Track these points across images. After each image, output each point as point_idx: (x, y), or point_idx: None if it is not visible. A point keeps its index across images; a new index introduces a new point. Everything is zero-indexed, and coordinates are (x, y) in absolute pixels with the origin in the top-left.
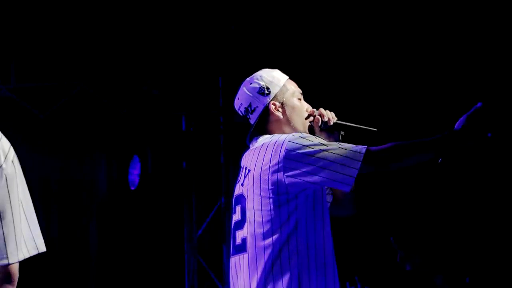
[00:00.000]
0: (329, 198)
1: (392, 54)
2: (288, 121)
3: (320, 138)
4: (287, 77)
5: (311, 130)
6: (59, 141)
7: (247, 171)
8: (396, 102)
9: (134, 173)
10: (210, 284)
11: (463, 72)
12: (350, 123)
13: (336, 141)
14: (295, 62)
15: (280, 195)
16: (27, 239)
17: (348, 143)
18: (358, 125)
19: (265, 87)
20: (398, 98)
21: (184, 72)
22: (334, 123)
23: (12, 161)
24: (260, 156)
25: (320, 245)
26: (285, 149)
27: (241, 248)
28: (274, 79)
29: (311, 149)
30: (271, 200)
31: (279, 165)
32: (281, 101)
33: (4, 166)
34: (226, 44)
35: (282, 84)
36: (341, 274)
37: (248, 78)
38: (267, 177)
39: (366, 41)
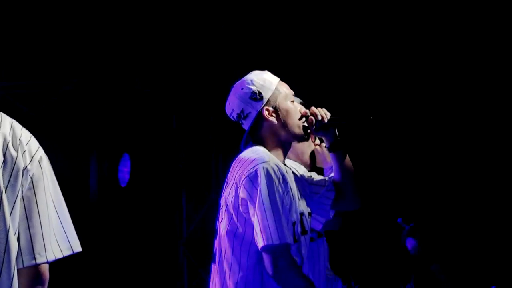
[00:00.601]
0: (331, 195)
1: (383, 50)
2: (282, 126)
3: (276, 184)
4: (278, 79)
5: (306, 131)
6: (49, 139)
7: (226, 182)
8: (389, 96)
9: (124, 171)
10: (196, 284)
11: (456, 69)
12: (343, 116)
13: (333, 137)
14: (286, 58)
15: (242, 214)
16: (60, 240)
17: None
18: (351, 118)
19: (257, 92)
20: (391, 92)
21: (176, 70)
22: (328, 120)
23: (38, 161)
24: (234, 172)
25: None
26: (246, 177)
27: (214, 258)
28: (265, 82)
29: (254, 198)
30: (235, 216)
31: (238, 189)
32: (275, 106)
33: (29, 167)
34: (218, 43)
35: (274, 88)
36: (335, 273)
37: (238, 82)
38: (232, 195)
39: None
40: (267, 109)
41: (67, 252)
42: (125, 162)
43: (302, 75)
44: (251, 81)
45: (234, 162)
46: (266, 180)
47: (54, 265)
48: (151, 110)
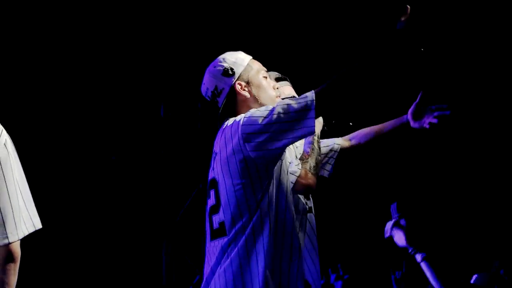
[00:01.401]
0: (328, 167)
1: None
2: (255, 99)
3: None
4: (251, 57)
5: None
6: (34, 129)
7: (215, 155)
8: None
9: (112, 159)
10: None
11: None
12: (326, 123)
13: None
14: (272, 43)
15: (251, 173)
16: (26, 218)
17: None
18: (332, 124)
19: (229, 68)
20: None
21: (164, 59)
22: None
23: (4, 144)
24: (223, 138)
25: (284, 224)
26: (241, 125)
27: (220, 232)
28: (237, 59)
29: (264, 118)
30: (243, 181)
31: (240, 142)
32: (247, 80)
33: None
34: (205, 32)
35: (246, 64)
36: (323, 261)
37: (212, 63)
38: (234, 159)
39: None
40: (239, 84)
41: (31, 229)
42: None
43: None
44: (223, 59)
45: (216, 138)
46: (259, 108)
47: (37, 248)
48: (139, 98)
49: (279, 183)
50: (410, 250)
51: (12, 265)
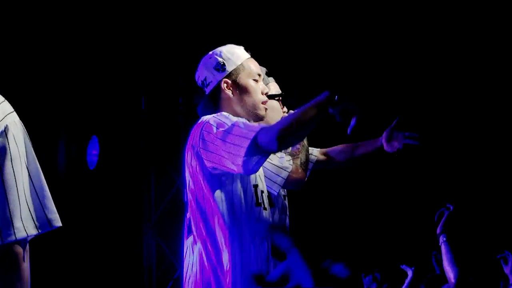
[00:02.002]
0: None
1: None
2: (238, 101)
3: (234, 119)
4: (249, 56)
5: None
6: None
7: (185, 149)
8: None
9: (93, 153)
10: (165, 268)
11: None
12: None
13: None
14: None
15: (205, 175)
16: (38, 215)
17: None
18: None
19: (221, 63)
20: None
21: (145, 52)
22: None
23: (4, 130)
24: (192, 135)
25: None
26: (202, 130)
27: (189, 229)
28: (233, 56)
29: (217, 131)
30: (199, 184)
31: (197, 146)
32: (234, 80)
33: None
34: (187, 26)
35: (239, 63)
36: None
37: (210, 52)
38: (190, 158)
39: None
40: (225, 82)
41: (45, 228)
42: (93, 144)
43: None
44: (220, 52)
45: (191, 130)
46: (220, 117)
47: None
48: (120, 92)
49: (238, 189)
50: (438, 231)
51: (22, 264)
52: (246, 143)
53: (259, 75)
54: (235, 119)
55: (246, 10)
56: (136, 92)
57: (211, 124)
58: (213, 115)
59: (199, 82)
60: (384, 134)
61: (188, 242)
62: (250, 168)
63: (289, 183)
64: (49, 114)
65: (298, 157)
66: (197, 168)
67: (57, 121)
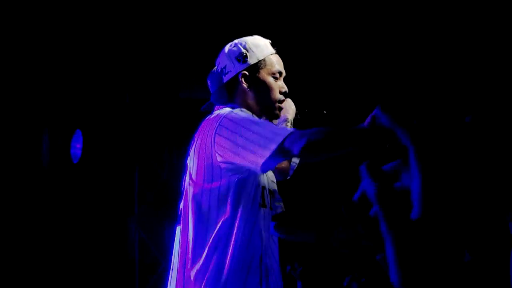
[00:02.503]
0: None
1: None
2: (253, 96)
3: (255, 118)
4: (274, 52)
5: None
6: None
7: (193, 142)
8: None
9: (77, 147)
10: (148, 262)
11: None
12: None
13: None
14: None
15: (214, 170)
16: None
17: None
18: (305, 113)
19: (243, 54)
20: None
21: (130, 46)
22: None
23: None
24: (206, 129)
25: (245, 241)
26: (219, 124)
27: (179, 219)
28: (257, 49)
29: (236, 127)
30: (205, 176)
31: (212, 141)
32: (254, 74)
33: None
34: (172, 22)
35: (262, 57)
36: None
37: (236, 40)
38: (204, 152)
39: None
40: (244, 74)
41: None
42: (77, 138)
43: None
44: (245, 42)
45: (202, 124)
46: (239, 114)
47: (3, 240)
48: (105, 86)
49: (243, 186)
50: None
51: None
52: (273, 146)
53: (280, 73)
54: (256, 118)
55: (230, 7)
56: (120, 86)
57: (230, 120)
58: (232, 110)
59: (219, 69)
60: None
61: (178, 229)
62: (270, 168)
63: (276, 172)
64: (33, 108)
65: None
66: (206, 161)
67: (41, 115)
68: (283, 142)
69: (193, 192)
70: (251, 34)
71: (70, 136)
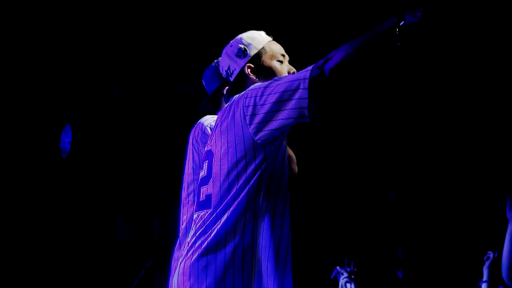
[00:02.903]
0: None
1: None
2: None
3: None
4: (270, 39)
5: None
6: None
7: (215, 127)
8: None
9: (66, 141)
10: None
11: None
12: None
13: None
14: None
15: (247, 147)
16: None
17: None
18: None
19: (242, 49)
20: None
21: (119, 40)
22: None
23: None
24: (227, 110)
25: (277, 225)
26: (244, 97)
27: (205, 204)
28: (253, 41)
29: (264, 92)
30: (237, 154)
31: (241, 115)
32: (258, 63)
33: None
34: (161, 16)
35: (261, 46)
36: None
37: (231, 41)
38: (233, 130)
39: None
40: (249, 66)
41: None
42: (66, 132)
43: None
44: (241, 38)
45: (220, 111)
46: (253, 85)
47: None
48: (94, 80)
49: (275, 164)
50: None
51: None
52: (306, 82)
53: (283, 55)
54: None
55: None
56: (110, 80)
57: (252, 90)
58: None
59: (224, 72)
60: None
61: (200, 216)
62: (314, 108)
63: None
64: (21, 102)
65: None
66: (238, 139)
67: (30, 109)
68: (311, 73)
69: (221, 176)
70: (238, 29)
71: (59, 130)
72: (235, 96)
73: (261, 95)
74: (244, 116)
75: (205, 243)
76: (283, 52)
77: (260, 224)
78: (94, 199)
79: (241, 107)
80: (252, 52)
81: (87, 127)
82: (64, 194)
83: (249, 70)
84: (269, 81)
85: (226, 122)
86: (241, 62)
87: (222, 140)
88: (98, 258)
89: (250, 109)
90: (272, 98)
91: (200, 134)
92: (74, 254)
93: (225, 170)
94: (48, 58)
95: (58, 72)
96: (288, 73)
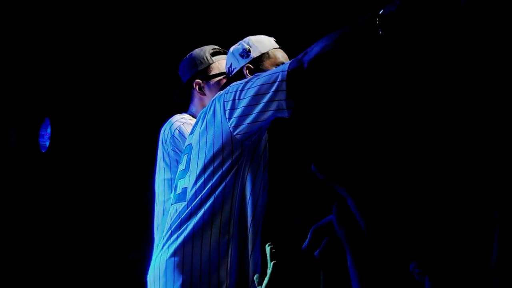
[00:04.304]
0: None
1: None
2: None
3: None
4: (277, 46)
5: None
6: None
7: (197, 121)
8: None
9: (45, 136)
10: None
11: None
12: None
13: None
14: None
15: (224, 142)
16: None
17: None
18: None
19: (246, 49)
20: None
21: (100, 34)
22: None
23: None
24: (209, 106)
25: (248, 209)
26: (225, 93)
27: (181, 197)
28: (259, 44)
29: (245, 87)
30: (215, 149)
31: (221, 111)
32: (258, 66)
33: None
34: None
35: (265, 51)
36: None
37: (241, 40)
38: (213, 125)
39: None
40: (248, 67)
41: None
42: (46, 126)
43: None
44: (249, 39)
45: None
46: (233, 84)
47: None
48: (73, 73)
49: (253, 160)
50: None
51: None
52: (284, 74)
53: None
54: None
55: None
56: (89, 74)
57: (232, 86)
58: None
59: (227, 69)
60: None
61: (176, 209)
62: (292, 105)
63: None
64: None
65: None
66: (216, 134)
67: (8, 103)
68: (289, 65)
69: (198, 170)
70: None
71: (38, 125)
72: (219, 92)
73: (241, 90)
74: (224, 110)
75: (181, 238)
76: (287, 61)
77: (237, 220)
78: (74, 194)
79: (222, 102)
80: (254, 54)
81: (67, 122)
82: (43, 188)
83: (247, 70)
84: (251, 77)
85: (207, 117)
86: (242, 62)
87: (201, 135)
88: (78, 253)
89: (230, 103)
90: (250, 92)
91: (169, 136)
92: (54, 248)
93: (201, 165)
94: (27, 53)
95: (37, 67)
96: None
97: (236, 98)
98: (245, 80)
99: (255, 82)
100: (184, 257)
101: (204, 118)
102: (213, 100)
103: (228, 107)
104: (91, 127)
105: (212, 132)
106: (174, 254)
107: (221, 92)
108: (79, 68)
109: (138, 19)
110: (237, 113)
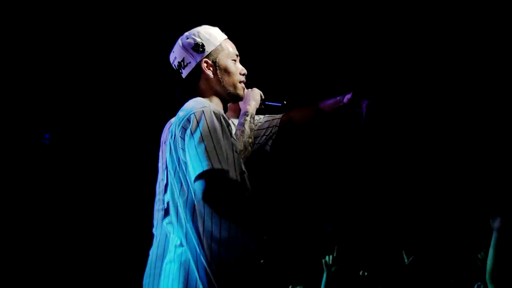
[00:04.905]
0: (270, 142)
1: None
2: (218, 82)
3: (216, 126)
4: (226, 37)
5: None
6: None
7: (170, 134)
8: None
9: (46, 137)
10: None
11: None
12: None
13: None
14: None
15: (184, 165)
16: None
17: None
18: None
19: (200, 44)
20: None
21: (99, 39)
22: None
23: None
24: (175, 123)
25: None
26: (181, 127)
27: (168, 211)
28: (211, 37)
29: (193, 138)
30: (179, 167)
31: (177, 138)
32: (214, 60)
33: None
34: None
35: (218, 43)
36: None
37: (186, 33)
38: (173, 145)
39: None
40: (205, 62)
41: None
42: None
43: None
44: (198, 32)
45: (175, 117)
46: (206, 121)
47: None
48: (71, 75)
49: None
50: None
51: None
52: (199, 170)
53: (237, 55)
54: (216, 124)
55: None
56: (87, 76)
57: (192, 127)
58: (198, 110)
59: (176, 64)
60: (348, 96)
61: (164, 223)
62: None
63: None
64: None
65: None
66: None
67: (11, 104)
68: (202, 171)
69: (177, 185)
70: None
71: (40, 126)
72: (184, 108)
73: (194, 140)
74: (179, 141)
75: (179, 251)
76: (236, 51)
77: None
78: (71, 195)
79: (178, 133)
80: (209, 48)
81: (66, 123)
82: (43, 188)
83: (205, 65)
84: (199, 134)
85: (172, 136)
86: (198, 57)
87: (170, 152)
88: (71, 250)
89: (181, 142)
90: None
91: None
92: (46, 246)
93: (175, 181)
94: (33, 56)
95: (38, 70)
96: (240, 74)
97: (184, 143)
98: (193, 135)
99: (194, 151)
100: (183, 267)
101: (170, 135)
102: (176, 126)
103: (180, 142)
104: (91, 127)
105: (175, 150)
106: (171, 261)
107: (182, 117)
108: (79, 68)
109: (138, 20)
110: (181, 152)
